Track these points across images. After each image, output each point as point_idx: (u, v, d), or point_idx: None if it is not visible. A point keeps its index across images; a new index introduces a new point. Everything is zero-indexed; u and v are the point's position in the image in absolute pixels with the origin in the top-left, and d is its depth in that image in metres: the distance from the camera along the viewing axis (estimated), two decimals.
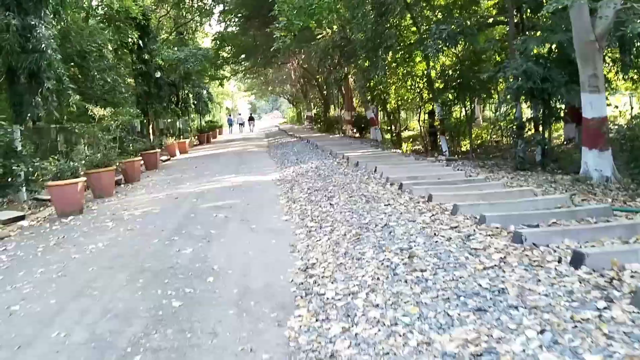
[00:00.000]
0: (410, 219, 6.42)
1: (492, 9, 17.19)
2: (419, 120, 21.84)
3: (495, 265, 4.30)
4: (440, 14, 16.74)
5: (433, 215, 6.53)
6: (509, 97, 12.68)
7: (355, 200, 8.27)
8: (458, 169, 11.67)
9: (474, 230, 5.47)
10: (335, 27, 18.03)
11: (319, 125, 40.45)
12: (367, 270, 4.64)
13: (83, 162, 10.37)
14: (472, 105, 17.40)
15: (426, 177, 10.12)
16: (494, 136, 20.18)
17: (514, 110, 13.87)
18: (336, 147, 18.91)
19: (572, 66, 12.83)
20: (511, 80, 12.44)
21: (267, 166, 15.86)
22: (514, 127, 13.79)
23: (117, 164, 12.47)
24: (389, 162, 13.06)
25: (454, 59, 16.27)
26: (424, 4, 16.10)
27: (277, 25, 12.38)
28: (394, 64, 18.00)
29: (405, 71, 18.19)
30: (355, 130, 29.85)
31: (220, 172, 14.93)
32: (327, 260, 5.19)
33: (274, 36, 12.47)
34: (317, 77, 38.14)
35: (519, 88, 12.06)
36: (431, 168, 11.80)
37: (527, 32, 14.63)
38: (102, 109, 13.17)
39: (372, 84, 19.57)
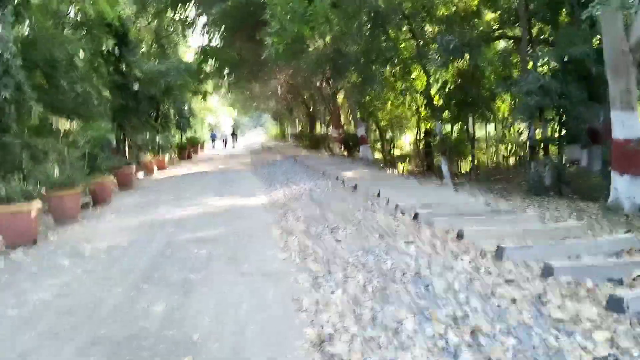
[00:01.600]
0: (445, 265, 5.08)
1: (493, 22, 16.15)
2: (417, 139, 20.63)
3: (609, 355, 2.96)
4: (439, 27, 15.62)
5: (472, 260, 5.20)
6: (521, 115, 11.50)
7: (365, 234, 6.92)
8: (470, 195, 10.40)
9: (542, 287, 4.14)
10: (328, 38, 16.78)
11: (304, 143, 39.17)
12: (414, 353, 3.26)
13: (40, 182, 8.85)
14: (473, 124, 16.29)
15: (440, 204, 8.81)
16: (493, 157, 19.10)
17: (522, 129, 12.76)
18: (327, 167, 17.61)
19: (589, 82, 11.78)
20: (524, 96, 11.26)
21: (254, 187, 14.45)
22: (527, 147, 12.64)
23: (85, 184, 10.95)
24: (390, 185, 11.75)
25: (456, 74, 15.10)
26: (425, 14, 14.96)
27: (268, 30, 11.05)
28: (392, 79, 16.81)
29: (403, 86, 17.01)
30: (343, 149, 28.61)
31: (201, 193, 13.47)
32: (348, 330, 3.79)
33: (265, 43, 11.15)
34: (304, 93, 36.93)
35: (536, 105, 10.89)
36: (440, 193, 10.52)
37: (534, 47, 13.58)
38: (70, 122, 11.67)
39: (366, 99, 18.35)
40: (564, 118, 11.55)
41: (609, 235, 6.00)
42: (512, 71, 16.31)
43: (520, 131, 12.73)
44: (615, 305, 3.63)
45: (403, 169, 19.77)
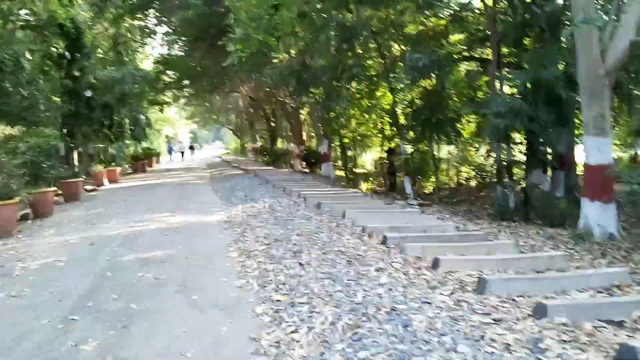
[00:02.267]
0: (422, 297, 4.53)
1: (461, 43, 16.00)
2: (380, 158, 20.26)
3: None
4: (406, 45, 15.36)
5: (453, 292, 4.68)
6: (490, 136, 11.20)
7: (332, 259, 6.32)
8: (438, 218, 9.96)
9: (537, 330, 3.64)
10: (293, 51, 16.30)
11: (265, 158, 38.48)
12: None
13: None
14: (438, 145, 16.04)
15: (409, 227, 8.31)
16: (456, 178, 18.90)
17: (489, 152, 12.49)
18: (288, 183, 16.99)
19: (557, 106, 11.62)
20: (493, 118, 10.96)
21: (211, 203, 13.69)
22: (491, 170, 12.37)
23: (24, 195, 10.00)
24: (355, 205, 11.23)
25: (422, 93, 14.80)
26: (394, 31, 14.65)
27: (231, 36, 10.44)
28: (357, 95, 16.41)
29: (369, 104, 16.62)
30: (305, 165, 28.08)
31: (154, 208, 12.65)
32: None
33: (228, 50, 10.53)
34: (266, 107, 36.33)
35: (506, 127, 10.60)
36: (407, 215, 10.04)
37: (501, 69, 13.40)
38: (12, 127, 10.73)
39: (331, 115, 17.90)
40: (532, 141, 11.31)
41: (597, 269, 5.58)
42: (477, 93, 16.18)
43: (488, 154, 12.47)
44: (628, 354, 3.14)
45: (366, 188, 19.33)
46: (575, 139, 13.02)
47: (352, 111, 17.53)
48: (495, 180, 16.57)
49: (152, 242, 8.34)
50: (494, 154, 14.32)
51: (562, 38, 12.05)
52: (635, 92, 12.45)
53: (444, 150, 18.27)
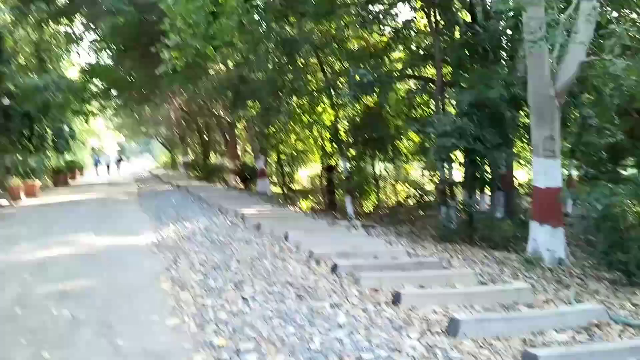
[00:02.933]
0: (389, 343, 3.97)
1: (403, 61, 15.84)
2: (320, 175, 19.77)
3: None
4: (348, 61, 15.01)
5: (422, 336, 4.15)
6: (436, 156, 10.95)
7: (279, 292, 5.67)
8: (386, 241, 9.51)
9: None
10: (231, 63, 15.59)
11: (197, 173, 37.18)
12: None
13: None
14: (379, 163, 15.75)
15: (358, 252, 7.79)
16: (395, 197, 18.70)
17: (434, 172, 12.26)
18: (224, 201, 16.17)
19: (502, 127, 11.55)
20: (439, 137, 10.72)
21: (139, 222, 12.68)
22: (432, 190, 12.13)
23: None
24: (297, 226, 10.61)
25: (363, 110, 14.45)
26: (336, 45, 14.28)
27: (166, 42, 9.63)
28: (298, 110, 15.88)
29: (310, 119, 16.13)
30: (239, 181, 27.22)
31: (75, 227, 11.50)
32: None
33: (162, 57, 9.71)
34: (199, 120, 35.19)
35: (452, 147, 10.35)
36: (353, 238, 9.53)
37: (444, 88, 13.29)
38: None
39: (270, 131, 17.25)
40: (474, 162, 11.14)
41: (572, 306, 5.20)
42: (417, 111, 16.07)
43: (430, 174, 12.26)
44: None
45: (306, 207, 18.77)
46: (515, 160, 13.04)
47: (293, 126, 16.98)
48: (437, 200, 16.52)
49: (71, 269, 7.35)
50: (433, 173, 14.16)
51: (504, 58, 12.07)
52: (573, 114, 12.59)
53: (383, 168, 18.00)
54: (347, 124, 14.74)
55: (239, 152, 30.38)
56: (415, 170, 21.60)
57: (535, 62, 8.54)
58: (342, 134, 15.12)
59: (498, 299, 5.18)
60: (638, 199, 7.43)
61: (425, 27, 15.28)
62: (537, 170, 8.85)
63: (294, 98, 15.00)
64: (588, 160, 14.08)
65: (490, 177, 11.35)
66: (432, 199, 16.98)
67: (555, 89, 8.43)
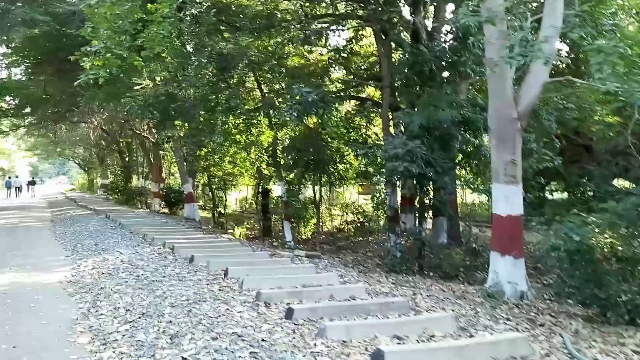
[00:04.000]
0: None
1: (339, 82, 15.24)
2: (256, 200, 18.66)
3: None
4: (287, 79, 14.21)
5: None
6: (384, 181, 10.28)
7: (228, 349, 4.63)
8: (337, 274, 8.62)
9: None
10: (158, 78, 14.36)
11: (117, 197, 34.92)
12: None
13: None
14: (320, 187, 14.94)
15: (309, 290, 6.90)
16: (332, 223, 17.97)
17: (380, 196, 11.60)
18: (148, 228, 14.78)
19: (450, 150, 11.12)
20: (389, 161, 10.06)
21: (52, 253, 11.15)
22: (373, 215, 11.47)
23: None
24: (236, 259, 9.56)
25: (304, 132, 13.61)
26: (275, 62, 13.43)
27: (88, 49, 8.39)
28: (234, 131, 14.82)
29: (247, 140, 15.09)
30: (164, 205, 25.59)
31: None
32: None
33: (81, 65, 8.43)
34: (120, 140, 33.17)
35: (403, 171, 9.70)
36: (301, 272, 8.56)
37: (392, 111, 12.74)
38: None
39: (203, 152, 16.04)
40: (425, 187, 10.57)
41: None
42: (357, 133, 15.47)
43: (379, 198, 11.61)
44: None
45: (240, 233, 17.58)
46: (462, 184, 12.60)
47: (227, 148, 15.88)
48: (384, 227, 15.88)
49: None
50: (376, 198, 13.52)
51: (449, 80, 11.69)
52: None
53: (322, 193, 17.22)
54: (286, 145, 13.85)
55: (164, 175, 28.73)
56: (352, 194, 21.05)
57: (497, 82, 8.07)
58: (280, 156, 14.22)
59: (492, 352, 4.40)
60: (615, 230, 6.98)
61: (366, 47, 14.83)
62: (498, 197, 8.32)
63: (230, 117, 13.98)
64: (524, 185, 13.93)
65: (439, 202, 10.75)
66: (371, 224, 16.37)
67: (517, 111, 7.97)
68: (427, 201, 10.92)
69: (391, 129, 12.64)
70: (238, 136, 14.88)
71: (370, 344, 4.78)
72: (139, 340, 5.03)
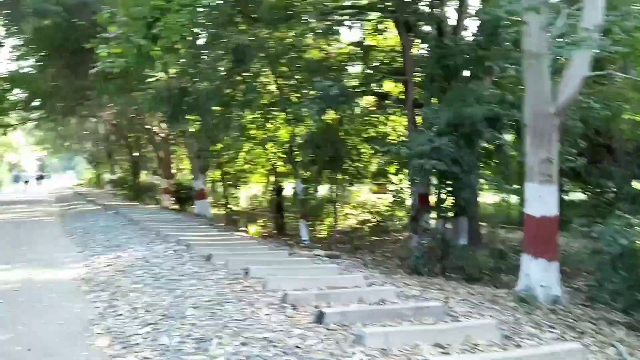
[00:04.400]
0: None
1: (359, 77, 14.83)
2: (271, 197, 18.31)
3: None
4: (305, 73, 13.81)
5: None
6: (414, 179, 9.89)
7: (260, 356, 4.27)
8: (362, 275, 8.24)
9: None
10: (172, 70, 14.01)
11: (125, 192, 34.65)
12: None
13: None
14: (337, 185, 14.58)
15: (337, 292, 6.53)
16: (348, 221, 17.59)
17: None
18: (161, 224, 14.44)
19: (474, 148, 10.72)
20: (415, 159, 9.68)
21: (63, 249, 10.84)
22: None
23: None
24: (254, 257, 9.20)
25: (323, 127, 13.20)
26: (296, 55, 13.06)
27: (105, 36, 8.03)
28: (251, 126, 14.45)
29: (265, 136, 14.71)
30: (174, 201, 25.29)
31: None
32: None
33: (98, 52, 8.08)
34: (129, 135, 32.87)
35: (430, 170, 9.32)
36: (325, 272, 8.14)
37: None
38: None
39: (217, 147, 15.68)
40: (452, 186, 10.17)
41: None
42: (374, 130, 15.10)
43: (400, 197, 11.21)
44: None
45: (255, 231, 17.24)
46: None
47: (243, 144, 15.52)
48: (395, 226, 15.51)
49: None
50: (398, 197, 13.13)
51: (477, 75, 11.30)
52: None
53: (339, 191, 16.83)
54: (304, 141, 13.48)
55: (174, 170, 28.47)
56: (366, 193, 20.68)
57: (534, 76, 7.66)
58: (297, 152, 13.85)
59: None
60: None
61: (385, 41, 14.44)
62: (531, 197, 7.91)
63: (246, 112, 13.63)
64: None
65: (464, 201, 10.35)
66: (388, 223, 16.00)
67: (555, 107, 7.56)
68: (450, 200, 10.49)
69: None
70: (254, 131, 14.53)
71: (412, 354, 4.42)
72: (162, 344, 4.68)
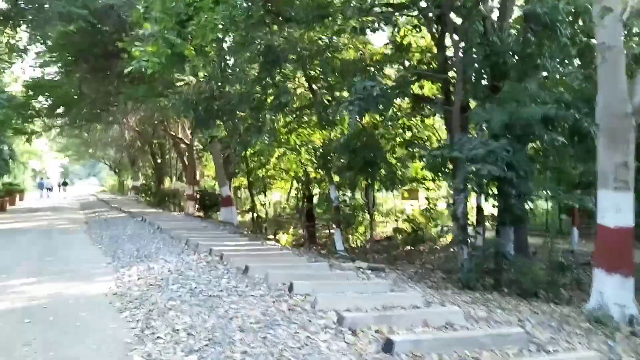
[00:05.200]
0: None
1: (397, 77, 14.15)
2: (302, 205, 17.70)
3: None
4: (339, 74, 13.17)
5: None
6: (465, 185, 9.17)
7: None
8: (414, 292, 7.56)
9: None
10: (201, 74, 13.49)
11: (148, 199, 34.35)
12: None
13: None
14: (373, 191, 13.90)
15: (398, 315, 5.83)
16: (383, 230, 16.91)
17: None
18: (188, 232, 13.92)
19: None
20: (468, 163, 8.95)
21: (91, 259, 10.33)
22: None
23: None
24: (294, 269, 8.57)
25: (359, 131, 12.51)
26: (330, 55, 12.44)
27: (140, 33, 7.49)
28: (284, 129, 13.86)
29: (298, 140, 14.10)
30: (199, 208, 24.82)
31: (9, 268, 9.07)
32: None
33: (130, 51, 7.53)
34: (153, 141, 32.59)
35: (487, 175, 8.60)
36: (375, 290, 7.42)
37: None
38: None
39: (248, 152, 15.11)
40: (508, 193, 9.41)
41: None
42: (412, 133, 14.41)
43: (453, 206, 10.45)
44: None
45: (286, 240, 16.63)
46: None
47: (275, 149, 14.94)
48: (432, 234, 14.76)
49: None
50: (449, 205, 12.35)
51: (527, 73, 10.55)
52: None
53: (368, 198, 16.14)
54: (340, 145, 12.83)
55: (198, 177, 28.04)
56: (399, 199, 19.96)
57: (608, 72, 6.93)
58: (332, 156, 13.21)
59: None
60: None
61: (419, 40, 13.78)
62: (605, 205, 7.17)
63: (280, 115, 13.05)
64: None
65: (520, 210, 9.56)
66: (427, 232, 15.28)
67: (633, 105, 6.82)
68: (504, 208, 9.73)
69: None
70: (287, 135, 13.93)
71: None
72: None
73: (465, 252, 9.66)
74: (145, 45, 7.37)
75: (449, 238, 15.30)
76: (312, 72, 12.82)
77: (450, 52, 12.05)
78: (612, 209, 7.07)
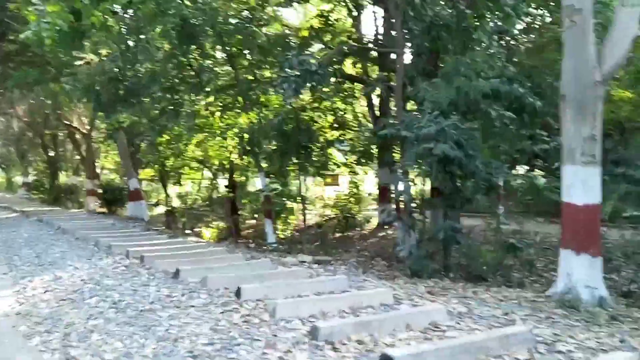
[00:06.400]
0: None
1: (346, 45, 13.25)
2: (227, 193, 16.40)
3: None
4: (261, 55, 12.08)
5: None
6: (418, 166, 8.51)
7: None
8: (371, 284, 6.77)
9: None
10: (104, 51, 11.85)
11: (42, 196, 31.31)
12: None
13: None
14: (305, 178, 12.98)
15: (380, 321, 4.98)
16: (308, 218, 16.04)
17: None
18: (97, 232, 12.42)
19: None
20: (419, 143, 8.29)
21: None
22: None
23: None
24: (234, 270, 7.48)
25: (292, 113, 11.50)
26: (254, 28, 11.28)
27: None
28: (206, 112, 12.51)
29: (224, 124, 12.80)
30: (101, 204, 22.72)
31: None
32: None
33: (24, 14, 6.03)
34: (46, 132, 29.63)
35: (437, 156, 7.98)
36: (329, 284, 6.56)
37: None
38: None
39: (163, 139, 13.59)
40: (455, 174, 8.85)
41: None
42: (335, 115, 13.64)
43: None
44: None
45: (211, 235, 15.29)
46: None
47: (195, 134, 13.50)
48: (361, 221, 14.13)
49: None
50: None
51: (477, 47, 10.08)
52: None
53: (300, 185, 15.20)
54: (269, 129, 11.75)
55: (98, 170, 25.81)
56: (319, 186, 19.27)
57: (576, 38, 6.42)
58: (260, 141, 12.11)
59: None
60: None
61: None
62: (572, 181, 6.71)
63: (201, 96, 11.70)
64: None
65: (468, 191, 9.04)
66: (356, 219, 14.63)
67: (602, 73, 6.37)
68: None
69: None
70: (211, 119, 12.60)
71: None
72: None
73: (414, 238, 9.02)
74: (47, 3, 5.91)
75: (374, 222, 14.84)
76: (234, 49, 11.61)
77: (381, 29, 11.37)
78: (580, 185, 6.62)
